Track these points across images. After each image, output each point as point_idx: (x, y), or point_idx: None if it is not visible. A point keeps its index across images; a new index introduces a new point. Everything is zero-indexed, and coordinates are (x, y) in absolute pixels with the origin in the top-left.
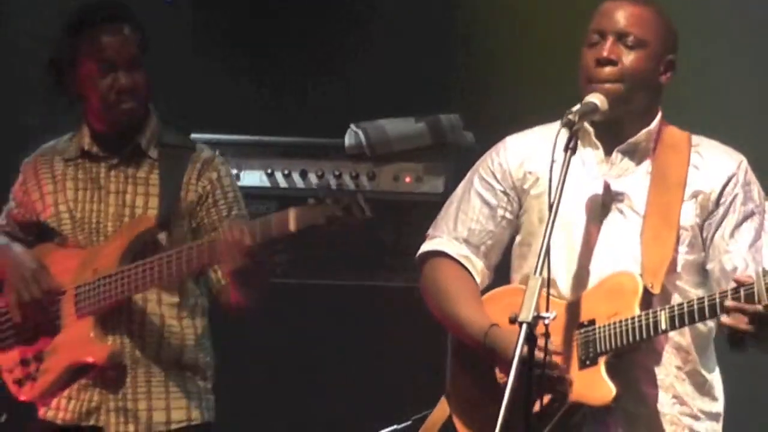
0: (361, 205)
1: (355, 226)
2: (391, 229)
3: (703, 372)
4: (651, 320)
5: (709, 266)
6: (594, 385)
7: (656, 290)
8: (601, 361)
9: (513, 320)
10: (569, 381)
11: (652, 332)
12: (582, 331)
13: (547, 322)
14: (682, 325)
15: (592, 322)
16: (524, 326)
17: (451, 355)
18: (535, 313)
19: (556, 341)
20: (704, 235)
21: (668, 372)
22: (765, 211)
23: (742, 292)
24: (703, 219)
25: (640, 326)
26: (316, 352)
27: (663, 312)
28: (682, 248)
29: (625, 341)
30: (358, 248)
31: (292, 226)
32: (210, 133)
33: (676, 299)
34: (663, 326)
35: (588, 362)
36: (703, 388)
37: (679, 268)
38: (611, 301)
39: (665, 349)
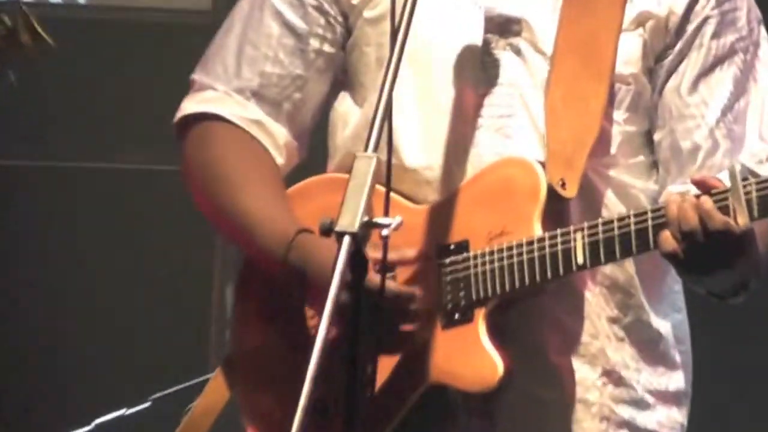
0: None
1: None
2: (116, 70)
3: (655, 322)
4: (560, 248)
5: (656, 136)
6: (468, 356)
7: (570, 191)
8: (479, 315)
9: (326, 229)
10: (425, 344)
11: (561, 269)
12: (448, 261)
13: (385, 232)
14: (611, 258)
15: (462, 246)
16: (345, 240)
17: (235, 290)
18: (365, 219)
19: (402, 274)
20: (654, 85)
21: (595, 329)
22: (758, 48)
23: (706, 206)
24: (655, 59)
25: (542, 258)
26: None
27: (579, 234)
28: (620, 113)
29: (516, 282)
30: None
31: None
32: None
33: (609, 204)
34: (579, 259)
35: (458, 316)
36: (654, 350)
37: (613, 149)
38: (495, 209)
39: (589, 289)
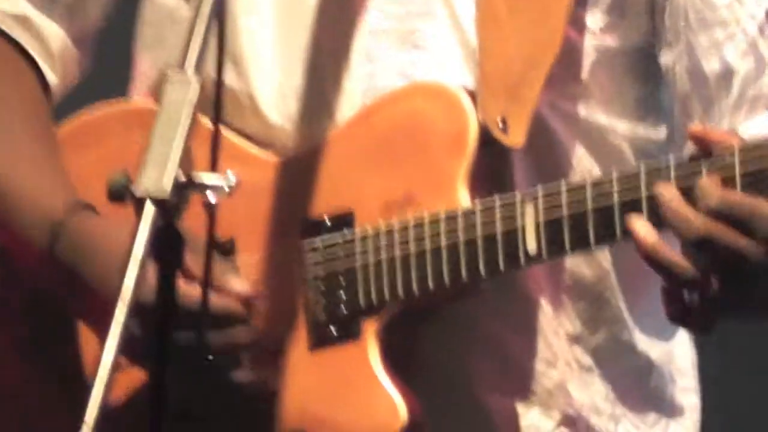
0: None
1: None
2: None
3: (641, 343)
4: (499, 228)
5: (663, 58)
6: (351, 393)
7: (515, 136)
8: (369, 330)
9: (118, 191)
10: (282, 376)
11: (501, 261)
12: (319, 245)
13: (213, 198)
14: (581, 245)
15: (343, 221)
16: (147, 210)
17: None
18: (181, 177)
19: (245, 267)
20: None
21: (551, 352)
22: None
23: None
24: None
25: (470, 244)
26: None
27: (530, 207)
28: (595, 18)
29: (429, 281)
30: None
31: None
32: None
33: (576, 159)
34: (530, 246)
35: (335, 331)
36: (640, 386)
37: (584, 73)
38: (395, 164)
39: (542, 291)
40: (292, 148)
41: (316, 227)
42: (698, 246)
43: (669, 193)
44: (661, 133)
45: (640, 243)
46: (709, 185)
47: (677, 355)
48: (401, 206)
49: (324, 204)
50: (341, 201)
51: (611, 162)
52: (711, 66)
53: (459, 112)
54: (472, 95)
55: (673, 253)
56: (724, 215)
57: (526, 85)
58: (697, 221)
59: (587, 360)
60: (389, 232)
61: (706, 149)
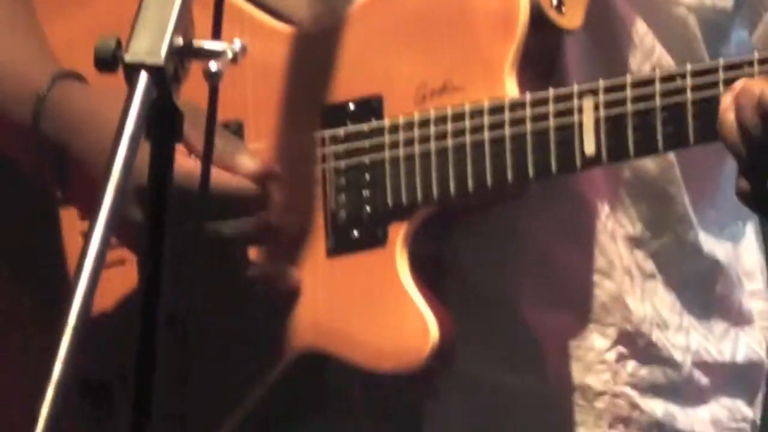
0: None
1: None
2: None
3: (707, 245)
4: (552, 123)
5: None
6: (374, 308)
7: (572, 17)
8: (397, 236)
9: (107, 58)
10: (295, 285)
11: (553, 163)
12: (342, 134)
13: (215, 67)
14: (648, 148)
15: (371, 107)
16: (141, 79)
17: None
18: (178, 41)
19: (255, 148)
20: None
21: (606, 259)
22: None
23: None
24: None
25: (518, 140)
26: None
27: (589, 100)
28: None
29: (469, 180)
30: None
31: None
32: None
33: (641, 44)
34: (588, 147)
35: (357, 234)
36: (707, 292)
37: None
38: (433, 44)
39: (598, 190)
40: (310, 19)
41: (338, 113)
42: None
43: (756, 90)
44: (729, 3)
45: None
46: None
47: (744, 254)
48: (438, 93)
49: (347, 87)
50: (368, 84)
51: (676, 39)
52: None
53: None
54: None
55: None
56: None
57: None
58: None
59: (650, 266)
60: (424, 123)
61: None
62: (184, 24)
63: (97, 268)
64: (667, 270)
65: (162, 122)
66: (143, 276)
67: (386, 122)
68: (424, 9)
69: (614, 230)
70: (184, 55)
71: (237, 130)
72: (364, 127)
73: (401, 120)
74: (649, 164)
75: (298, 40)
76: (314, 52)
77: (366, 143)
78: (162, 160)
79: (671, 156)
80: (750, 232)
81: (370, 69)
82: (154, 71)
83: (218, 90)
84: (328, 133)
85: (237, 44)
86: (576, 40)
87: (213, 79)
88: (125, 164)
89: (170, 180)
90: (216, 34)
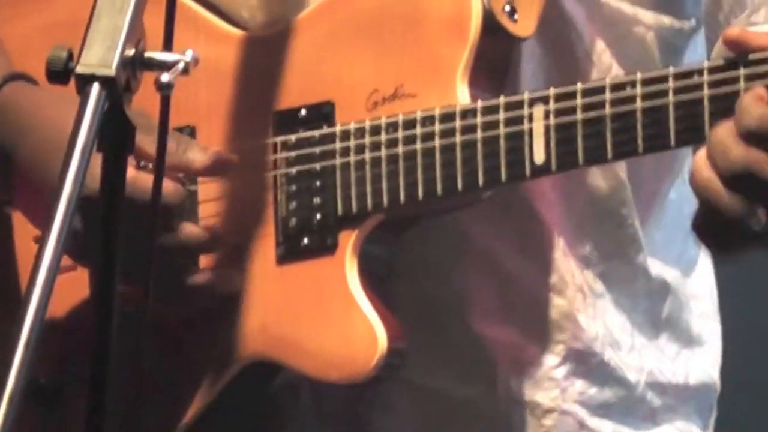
0: None
1: None
2: None
3: (655, 267)
4: (502, 130)
5: None
6: (323, 316)
7: (525, 24)
8: (347, 242)
9: (59, 67)
10: (244, 292)
11: (503, 170)
12: (293, 139)
13: (166, 78)
14: (598, 156)
15: (322, 113)
16: (93, 90)
17: None
18: (130, 50)
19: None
20: None
21: (558, 277)
22: None
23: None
24: None
25: (468, 147)
26: None
27: (539, 108)
28: None
29: (419, 188)
30: None
31: None
32: None
33: (595, 55)
34: (538, 155)
35: (307, 241)
36: (654, 314)
37: None
38: (385, 50)
39: (549, 203)
40: (263, 22)
41: (290, 119)
42: (737, 180)
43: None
44: (687, 24)
45: (692, 175)
46: (749, 102)
47: (693, 276)
48: (390, 100)
49: (299, 93)
50: (320, 90)
51: (633, 58)
52: None
53: None
54: None
55: (724, 190)
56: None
57: None
58: (736, 150)
59: (599, 286)
60: (375, 130)
61: (745, 55)
62: (136, 35)
63: (50, 280)
64: (616, 290)
65: (114, 134)
66: (96, 287)
67: (337, 129)
68: (376, 14)
69: (566, 247)
70: (135, 66)
71: (190, 135)
72: (315, 133)
73: (352, 127)
74: (601, 184)
75: (251, 44)
76: (267, 56)
77: (317, 150)
78: (114, 172)
79: (623, 176)
80: (702, 255)
81: (322, 75)
82: (106, 82)
83: (170, 100)
84: (279, 139)
85: (189, 55)
86: (531, 52)
87: (164, 89)
88: (77, 175)
89: (122, 191)
90: (167, 45)
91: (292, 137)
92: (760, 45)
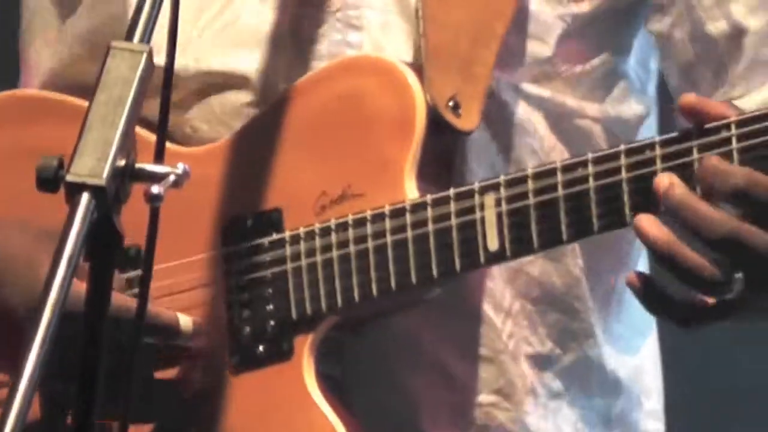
0: None
1: None
2: None
3: (610, 361)
4: (454, 221)
5: (658, 24)
6: (283, 422)
7: (468, 118)
8: (303, 347)
9: (49, 176)
10: (204, 404)
11: (457, 261)
12: (245, 248)
13: (156, 190)
14: (552, 240)
15: (270, 220)
16: (83, 201)
17: None
18: (120, 161)
19: (163, 269)
20: None
21: (508, 380)
22: None
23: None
24: None
25: (420, 241)
26: None
27: (490, 197)
28: None
29: (372, 287)
30: None
31: None
32: None
33: (539, 146)
34: (491, 243)
35: (262, 349)
36: (607, 410)
37: (549, 48)
38: (332, 152)
39: (499, 302)
40: (204, 138)
41: (238, 229)
42: (721, 245)
43: (668, 180)
44: (630, 109)
45: (652, 244)
46: (723, 164)
47: (645, 371)
48: (338, 201)
49: (246, 202)
50: (267, 198)
51: (580, 148)
52: (717, 27)
53: (404, 90)
54: (419, 71)
55: (693, 254)
56: (747, 198)
57: (478, 61)
58: (716, 216)
59: (557, 385)
60: (325, 231)
61: (700, 124)
62: (128, 145)
63: (31, 388)
64: (573, 387)
65: (102, 243)
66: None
67: (287, 234)
68: (319, 119)
69: (517, 350)
70: (126, 176)
71: (136, 254)
72: (265, 240)
73: (302, 231)
74: (555, 280)
75: (196, 159)
76: (213, 169)
77: (267, 257)
78: (100, 293)
79: (577, 271)
80: (651, 348)
81: (269, 182)
82: (96, 192)
83: (159, 213)
84: (229, 249)
85: (180, 168)
86: (478, 146)
87: (153, 201)
88: (62, 284)
89: (108, 302)
90: (158, 157)
91: (242, 247)
92: (718, 113)
